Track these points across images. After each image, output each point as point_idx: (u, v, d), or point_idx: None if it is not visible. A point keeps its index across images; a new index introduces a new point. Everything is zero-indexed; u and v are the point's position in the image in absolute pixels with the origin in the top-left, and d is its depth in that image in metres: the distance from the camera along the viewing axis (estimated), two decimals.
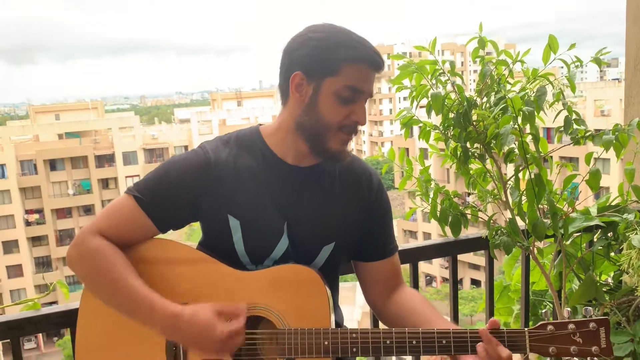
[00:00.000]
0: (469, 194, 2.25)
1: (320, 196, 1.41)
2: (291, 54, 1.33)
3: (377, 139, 59.29)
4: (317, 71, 1.30)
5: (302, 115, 1.33)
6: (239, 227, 1.35)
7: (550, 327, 1.24)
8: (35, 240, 36.28)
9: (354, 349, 1.28)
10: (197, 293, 1.34)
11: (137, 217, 1.34)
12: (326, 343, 1.28)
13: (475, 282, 32.36)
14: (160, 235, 1.41)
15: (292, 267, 1.35)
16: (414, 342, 1.27)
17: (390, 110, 60.32)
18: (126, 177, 38.46)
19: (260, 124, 1.46)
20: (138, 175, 38.72)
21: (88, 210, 37.82)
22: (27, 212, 36.25)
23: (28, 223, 35.98)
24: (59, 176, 37.10)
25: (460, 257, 2.37)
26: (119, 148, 38.50)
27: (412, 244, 2.13)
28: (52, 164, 36.92)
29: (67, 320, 1.63)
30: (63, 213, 37.26)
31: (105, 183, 38.75)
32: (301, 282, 1.33)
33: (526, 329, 1.26)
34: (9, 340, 1.59)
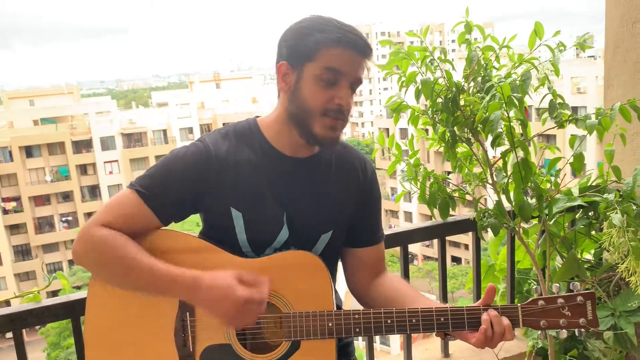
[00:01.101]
0: (449, 173, 2.30)
1: (317, 186, 1.44)
2: (279, 47, 1.38)
3: (357, 120, 59.30)
4: (298, 58, 1.33)
5: (289, 104, 1.37)
6: (241, 219, 1.39)
7: (541, 302, 1.31)
8: (14, 229, 35.77)
9: (357, 329, 1.33)
10: None
11: (140, 211, 1.36)
12: (330, 325, 1.33)
13: (455, 260, 32.85)
14: None
15: (295, 253, 1.39)
16: (414, 320, 1.32)
17: (370, 90, 60.27)
18: (105, 162, 37.99)
19: (258, 116, 1.49)
20: (117, 161, 38.29)
21: (67, 197, 37.34)
22: (4, 200, 35.67)
23: (5, 211, 35.42)
24: (36, 163, 36.48)
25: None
26: (97, 133, 37.90)
27: (402, 227, 2.19)
28: (28, 151, 36.25)
29: (68, 311, 1.66)
30: (41, 200, 36.73)
31: (83, 169, 38.23)
32: (304, 266, 1.37)
33: (519, 304, 1.33)
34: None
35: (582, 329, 1.30)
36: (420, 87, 2.03)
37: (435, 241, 2.26)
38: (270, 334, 1.37)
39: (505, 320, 1.30)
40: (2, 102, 44.54)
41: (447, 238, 2.30)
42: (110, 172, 38.36)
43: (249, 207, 1.39)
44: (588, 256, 2.46)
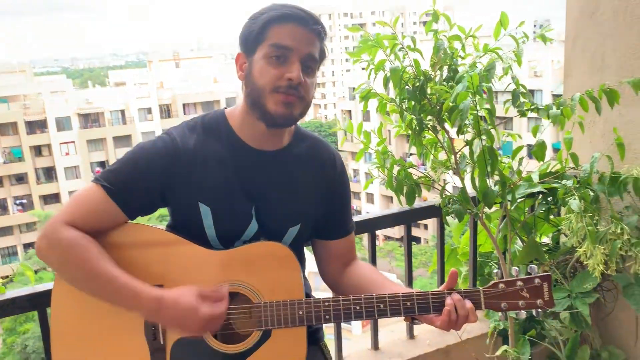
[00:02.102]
0: (410, 155, 2.36)
1: (286, 180, 1.45)
2: (239, 39, 1.40)
3: (320, 102, 59.23)
4: (251, 44, 1.35)
5: (246, 90, 1.38)
6: (210, 213, 1.38)
7: (501, 285, 1.37)
8: None
9: (327, 317, 1.36)
10: (170, 274, 1.36)
11: (106, 207, 1.34)
12: (300, 313, 1.35)
13: (414, 239, 33.51)
14: None
15: (264, 243, 1.40)
16: (382, 306, 1.36)
17: (333, 72, 60.13)
18: (60, 143, 36.83)
19: (226, 108, 1.48)
20: (73, 142, 37.19)
21: (20, 179, 36.12)
22: None
23: None
24: None
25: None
26: (51, 113, 36.63)
27: (370, 214, 2.22)
28: None
29: (33, 303, 1.62)
30: None
31: (37, 150, 36.97)
32: (273, 257, 1.38)
33: (481, 288, 1.38)
34: None
35: (540, 310, 1.36)
36: (389, 75, 2.06)
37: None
38: (241, 324, 1.38)
39: (469, 304, 1.35)
40: None
41: None
42: (67, 154, 37.24)
43: (217, 202, 1.38)
44: (546, 239, 2.56)
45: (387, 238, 32.54)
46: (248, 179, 1.41)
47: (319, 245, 1.59)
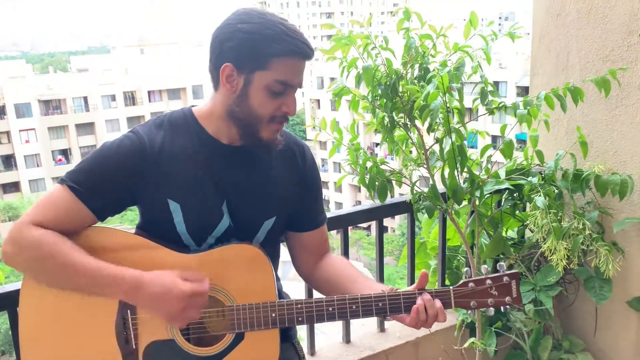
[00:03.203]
0: (376, 145, 2.39)
1: (257, 173, 1.45)
2: (221, 45, 1.33)
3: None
4: (248, 64, 1.31)
5: (233, 106, 1.35)
6: (180, 210, 1.37)
7: (471, 284, 1.41)
8: None
9: (300, 319, 1.37)
10: None
11: (74, 208, 1.31)
12: (273, 315, 1.36)
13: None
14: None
15: (236, 246, 1.39)
16: (354, 307, 1.38)
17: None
18: (20, 130, 35.72)
19: (193, 106, 1.46)
20: (34, 129, 36.12)
21: None
22: None
23: None
24: None
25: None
26: (10, 99, 35.41)
27: (342, 210, 2.25)
28: None
29: (3, 303, 1.60)
30: None
31: None
32: (245, 259, 1.38)
33: (451, 287, 1.41)
34: None
35: (508, 306, 1.41)
36: (361, 73, 2.08)
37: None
38: (214, 327, 1.38)
39: (438, 303, 1.38)
40: None
41: None
42: (27, 141, 36.15)
43: (186, 197, 1.37)
44: (511, 233, 2.64)
45: (355, 227, 32.82)
46: (218, 173, 1.40)
47: (292, 237, 1.59)
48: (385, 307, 1.39)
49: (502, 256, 2.42)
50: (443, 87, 1.91)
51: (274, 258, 1.56)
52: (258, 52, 1.30)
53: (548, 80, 2.53)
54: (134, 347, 1.35)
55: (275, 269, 1.57)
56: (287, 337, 1.61)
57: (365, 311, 1.39)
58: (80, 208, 1.32)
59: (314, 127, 2.27)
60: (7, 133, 35.73)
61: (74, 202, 1.31)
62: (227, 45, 1.31)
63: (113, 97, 39.54)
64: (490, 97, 2.16)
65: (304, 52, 1.33)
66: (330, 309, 1.38)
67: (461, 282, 1.43)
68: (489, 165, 2.21)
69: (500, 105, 2.17)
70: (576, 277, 2.48)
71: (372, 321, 2.49)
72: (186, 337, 1.37)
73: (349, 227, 2.33)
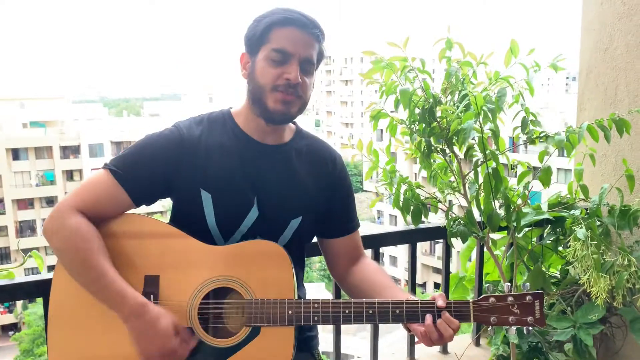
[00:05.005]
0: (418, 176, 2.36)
1: (287, 172, 1.50)
2: (243, 40, 1.49)
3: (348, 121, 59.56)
4: (254, 45, 1.44)
5: (248, 88, 1.47)
6: (210, 200, 1.44)
7: (492, 299, 1.38)
8: None
9: (315, 318, 1.38)
10: (166, 265, 1.40)
11: (113, 191, 1.40)
12: (290, 312, 1.37)
13: (439, 287, 32.85)
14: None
15: (259, 241, 1.43)
16: (370, 311, 1.37)
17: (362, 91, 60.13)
18: (92, 169, 37.69)
19: (231, 107, 1.57)
20: None
21: (50, 201, 36.90)
22: None
23: None
24: (22, 166, 36.14)
25: (424, 260, 2.52)
26: (86, 140, 37.72)
27: (375, 230, 2.24)
28: (15, 153, 35.95)
29: (40, 289, 1.67)
30: (24, 204, 36.27)
31: (69, 175, 37.91)
32: (267, 255, 1.41)
33: (470, 300, 1.38)
34: None
35: (530, 327, 1.36)
36: (399, 97, 2.11)
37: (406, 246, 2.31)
38: (231, 319, 1.41)
39: (454, 323, 1.36)
40: None
41: (431, 264, 2.35)
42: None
43: (218, 188, 1.44)
44: (555, 273, 2.53)
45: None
46: (250, 168, 1.47)
47: (325, 244, 1.64)
48: (402, 315, 1.37)
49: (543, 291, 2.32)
50: (477, 107, 1.91)
51: (299, 262, 1.58)
52: (259, 30, 1.42)
53: (595, 115, 2.47)
54: None
55: (300, 274, 1.59)
56: (308, 347, 1.61)
57: (381, 317, 1.38)
58: (118, 190, 1.40)
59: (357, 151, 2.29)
60: (80, 171, 37.78)
61: (114, 185, 1.40)
62: (244, 37, 1.46)
63: None
64: (531, 127, 2.14)
65: (299, 20, 1.41)
66: (347, 311, 1.38)
67: (482, 296, 1.40)
68: (526, 191, 2.15)
69: (542, 134, 2.14)
70: (623, 321, 2.33)
71: (403, 350, 2.42)
72: (204, 327, 1.39)
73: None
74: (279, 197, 1.48)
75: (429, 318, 1.35)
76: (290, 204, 1.50)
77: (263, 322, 1.37)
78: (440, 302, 1.36)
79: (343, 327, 2.07)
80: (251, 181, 1.46)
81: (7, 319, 30.56)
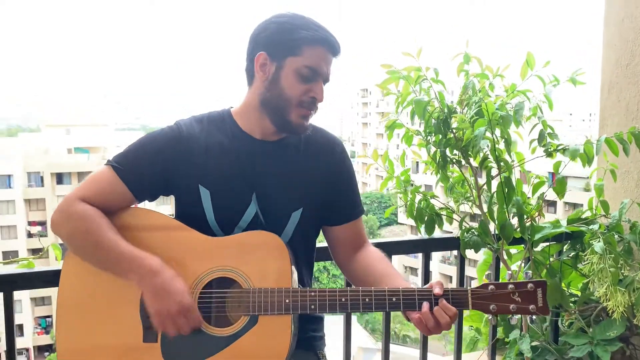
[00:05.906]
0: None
1: (286, 167, 1.54)
2: (255, 37, 1.49)
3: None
4: (280, 51, 1.45)
5: (265, 92, 1.48)
6: (209, 196, 1.48)
7: (491, 286, 1.36)
8: (35, 253, 35.80)
9: (312, 306, 1.39)
10: (168, 256, 1.44)
11: (115, 185, 1.46)
12: (287, 301, 1.39)
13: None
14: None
15: (259, 232, 1.47)
16: (367, 299, 1.38)
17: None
18: None
19: (231, 107, 1.60)
20: None
21: None
22: (30, 223, 36.33)
23: (30, 235, 36.01)
24: (65, 190, 37.25)
25: (442, 269, 2.49)
26: None
27: (388, 239, 2.24)
28: (59, 177, 37.21)
29: (57, 279, 1.73)
30: None
31: None
32: (265, 245, 1.44)
33: (469, 287, 1.37)
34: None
35: (532, 315, 1.32)
36: (414, 107, 2.14)
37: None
38: (233, 309, 1.43)
39: (446, 317, 1.35)
40: (40, 129, 46.11)
41: (445, 272, 2.33)
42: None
43: (216, 185, 1.48)
44: (575, 292, 2.47)
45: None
46: (248, 166, 1.50)
47: (327, 231, 1.65)
48: (399, 303, 1.37)
49: (559, 309, 2.26)
50: (488, 114, 1.92)
51: (306, 261, 1.61)
52: (290, 39, 1.43)
53: (616, 130, 2.43)
54: None
55: (306, 274, 1.61)
56: (312, 346, 1.62)
57: (378, 305, 1.38)
58: (120, 186, 1.46)
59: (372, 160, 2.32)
60: None
61: (116, 181, 1.46)
62: (262, 36, 1.47)
63: None
64: (548, 140, 2.13)
65: (331, 43, 1.46)
66: (343, 299, 1.39)
67: (481, 284, 1.39)
68: (541, 202, 2.13)
69: (559, 147, 2.12)
70: None
71: None
72: (204, 316, 1.42)
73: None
74: (278, 192, 1.51)
75: (425, 305, 1.35)
76: (290, 196, 1.52)
77: (260, 310, 1.40)
78: (437, 290, 1.36)
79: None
80: (249, 178, 1.50)
81: (43, 339, 31.13)
